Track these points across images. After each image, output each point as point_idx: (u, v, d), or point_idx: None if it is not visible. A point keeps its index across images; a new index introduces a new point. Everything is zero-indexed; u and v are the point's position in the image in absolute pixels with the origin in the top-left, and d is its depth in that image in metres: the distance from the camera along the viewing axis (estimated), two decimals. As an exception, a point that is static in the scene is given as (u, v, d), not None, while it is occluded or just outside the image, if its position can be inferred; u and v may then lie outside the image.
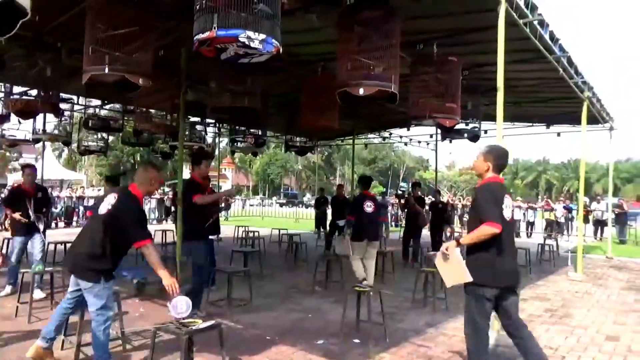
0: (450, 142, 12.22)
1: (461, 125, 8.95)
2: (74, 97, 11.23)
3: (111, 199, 3.56)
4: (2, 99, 7.69)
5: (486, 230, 3.17)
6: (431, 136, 15.17)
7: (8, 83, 7.01)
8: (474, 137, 9.08)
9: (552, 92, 9.52)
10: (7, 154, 41.60)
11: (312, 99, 7.30)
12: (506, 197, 3.37)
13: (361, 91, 4.73)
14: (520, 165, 69.98)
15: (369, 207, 6.79)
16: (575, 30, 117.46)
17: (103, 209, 3.54)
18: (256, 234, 11.61)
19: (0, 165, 41.19)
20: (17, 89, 7.41)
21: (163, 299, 6.20)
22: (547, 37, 6.04)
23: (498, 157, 3.45)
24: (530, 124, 13.11)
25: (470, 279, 3.27)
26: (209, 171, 5.90)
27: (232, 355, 4.11)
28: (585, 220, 16.48)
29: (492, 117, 5.97)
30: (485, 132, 11.05)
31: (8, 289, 6.34)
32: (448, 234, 12.94)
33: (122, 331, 4.39)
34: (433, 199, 12.63)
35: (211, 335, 3.61)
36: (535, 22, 5.65)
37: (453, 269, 3.37)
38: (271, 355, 4.31)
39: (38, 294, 5.92)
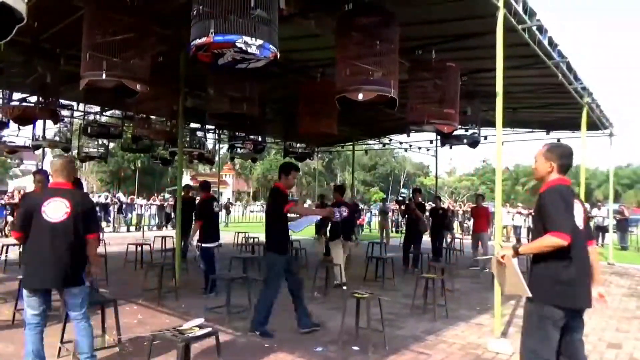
0: (450, 148, 12.21)
1: (461, 131, 8.96)
2: (74, 104, 11.27)
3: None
4: (0, 105, 7.68)
5: (551, 241, 2.73)
6: (431, 142, 15.18)
7: (7, 89, 7.01)
8: (474, 143, 9.08)
9: (551, 98, 9.53)
10: (8, 160, 41.74)
11: (310, 105, 7.32)
12: (576, 202, 2.92)
13: (360, 96, 4.73)
14: (520, 171, 69.92)
15: (343, 211, 7.43)
16: (575, 35, 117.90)
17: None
18: (256, 240, 11.57)
19: (1, 172, 41.28)
20: (16, 96, 7.42)
21: (162, 306, 6.18)
22: (545, 42, 6.04)
23: (562, 155, 3.00)
24: (530, 130, 13.12)
25: (529, 293, 2.87)
26: (295, 183, 5.67)
27: (230, 362, 4.07)
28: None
29: (492, 123, 5.98)
30: (485, 138, 11.07)
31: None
32: (448, 240, 12.92)
33: (119, 338, 4.35)
34: (433, 205, 12.60)
35: (209, 343, 3.57)
36: (534, 28, 5.66)
37: (510, 278, 2.99)
38: (269, 362, 4.27)
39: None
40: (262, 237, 11.75)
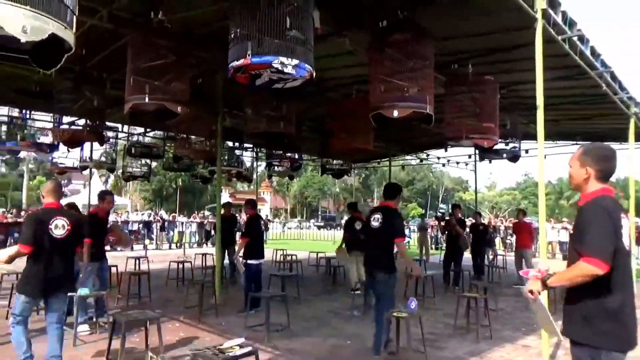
0: (490, 162, 11.94)
1: (500, 145, 8.76)
2: (118, 126, 11.73)
3: None
4: (51, 129, 8.11)
5: (585, 270, 2.19)
6: (470, 156, 14.90)
7: (57, 114, 7.40)
8: (514, 157, 8.85)
9: (595, 109, 9.19)
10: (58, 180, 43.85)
11: (344, 122, 7.36)
12: (623, 217, 2.32)
13: (395, 113, 4.71)
14: (565, 185, 67.51)
15: (357, 225, 7.99)
16: (620, 44, 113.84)
17: None
18: (294, 257, 11.60)
19: (51, 192, 43.32)
20: (65, 119, 7.81)
21: (202, 323, 6.26)
22: (588, 52, 5.86)
23: (600, 158, 2.41)
24: (574, 142, 12.67)
25: (560, 337, 2.40)
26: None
27: (269, 381, 4.06)
28: (638, 242, 15.63)
29: (533, 136, 5.82)
30: (526, 151, 10.77)
31: (85, 326, 5.80)
32: (490, 257, 12.55)
33: (161, 356, 4.43)
34: (474, 221, 12.30)
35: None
36: (575, 38, 5.50)
37: (541, 316, 2.53)
38: (308, 382, 4.23)
39: (83, 328, 5.73)
40: (300, 255, 11.84)
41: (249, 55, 3.32)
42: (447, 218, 11.40)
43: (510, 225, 22.43)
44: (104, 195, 6.29)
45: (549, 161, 11.69)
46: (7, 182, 42.47)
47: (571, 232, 2.85)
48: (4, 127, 9.81)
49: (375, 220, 5.14)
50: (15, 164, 45.02)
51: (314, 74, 3.61)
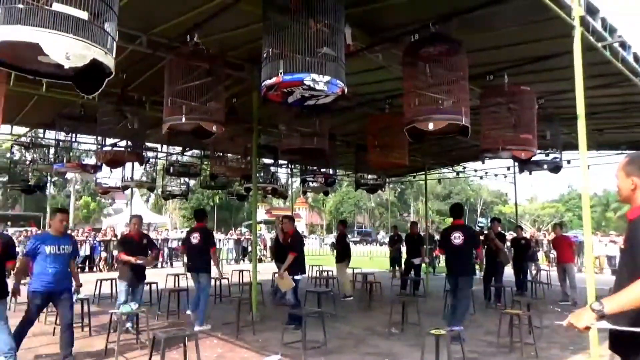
0: (530, 174, 11.59)
1: (541, 156, 8.48)
2: (158, 146, 12.09)
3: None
4: (95, 151, 8.45)
5: None
6: (508, 169, 14.51)
7: (100, 136, 7.71)
8: (555, 168, 8.54)
9: (640, 117, 8.82)
10: (102, 200, 45.41)
11: (379, 137, 7.33)
12: None
13: (431, 126, 4.65)
14: (611, 197, 64.73)
15: (348, 239, 10.00)
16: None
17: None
18: (330, 273, 11.54)
19: (96, 211, 44.93)
20: (108, 141, 8.11)
21: (240, 340, 6.28)
22: (630, 58, 5.65)
23: None
24: (620, 152, 12.15)
25: None
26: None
27: (306, 400, 4.02)
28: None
29: (575, 146, 5.62)
30: (568, 162, 10.41)
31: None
32: (533, 272, 12.10)
33: (199, 372, 4.46)
34: (515, 235, 11.92)
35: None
36: (616, 45, 5.32)
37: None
38: (346, 401, 4.16)
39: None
40: (336, 271, 11.79)
41: (280, 73, 3.37)
42: (485, 232, 11.11)
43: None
44: (130, 218, 6.79)
45: (593, 172, 11.29)
46: (56, 202, 44.38)
47: (621, 246, 2.56)
48: (52, 150, 10.29)
49: (457, 238, 6.47)
50: (63, 185, 46.99)
51: (346, 90, 3.62)
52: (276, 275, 7.55)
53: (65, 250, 5.06)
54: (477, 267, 7.84)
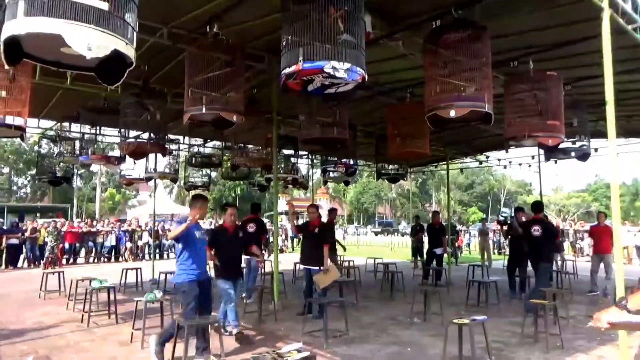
0: (556, 162, 11.33)
1: (567, 144, 8.26)
2: (180, 138, 12.22)
3: None
4: (119, 143, 8.58)
5: None
6: (533, 157, 14.21)
7: (123, 128, 7.81)
8: (583, 155, 8.31)
9: (672, 102, 8.52)
10: (127, 192, 46.28)
11: (399, 126, 7.26)
12: None
13: (452, 113, 4.57)
14: (640, 185, 63.03)
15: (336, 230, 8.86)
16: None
17: None
18: (351, 263, 11.54)
19: (121, 203, 45.86)
20: (131, 133, 8.23)
21: (262, 328, 6.34)
22: (661, 41, 5.43)
23: None
24: (649, 139, 11.79)
25: None
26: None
27: (328, 388, 4.04)
28: None
29: (603, 134, 5.47)
30: (596, 150, 10.15)
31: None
32: (559, 263, 11.86)
33: (222, 359, 4.52)
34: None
35: (307, 367, 3.57)
36: (647, 27, 5.13)
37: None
38: (368, 390, 4.16)
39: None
40: (357, 261, 11.77)
41: (300, 61, 3.35)
42: (509, 222, 10.92)
43: (580, 229, 21.20)
44: (227, 207, 6.62)
45: (622, 160, 10.87)
46: (82, 194, 45.42)
47: None
48: (78, 143, 10.50)
49: (536, 231, 7.51)
50: (89, 178, 48.05)
51: (366, 77, 3.58)
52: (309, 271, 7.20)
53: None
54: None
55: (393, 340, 5.84)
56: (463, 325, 4.46)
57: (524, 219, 9.41)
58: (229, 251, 5.88)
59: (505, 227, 10.52)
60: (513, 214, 10.37)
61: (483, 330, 4.58)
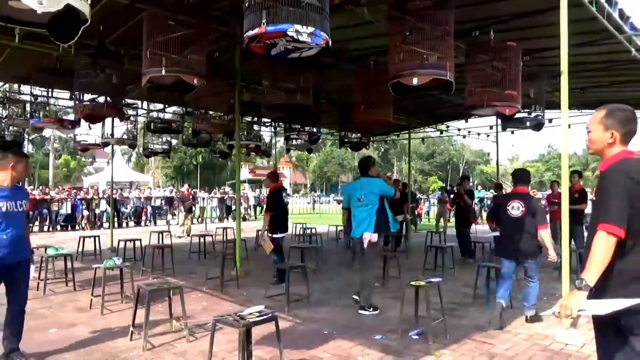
0: (512, 132, 11.70)
1: (523, 114, 8.53)
2: (138, 102, 11.81)
3: None
4: (72, 106, 8.23)
5: (604, 242, 2.08)
6: (491, 127, 14.61)
7: (78, 91, 7.47)
8: (537, 125, 8.60)
9: (624, 75, 8.88)
10: (82, 159, 44.66)
11: (365, 93, 7.26)
12: None
13: (415, 81, 4.63)
14: (591, 156, 65.99)
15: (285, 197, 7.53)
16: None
17: None
18: (313, 230, 11.70)
19: (76, 170, 44.29)
20: (87, 97, 7.88)
21: (224, 293, 6.40)
22: (616, 15, 5.62)
23: (626, 121, 2.32)
24: (601, 111, 12.28)
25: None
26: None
27: (290, 348, 4.15)
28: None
29: (557, 105, 5.66)
30: (550, 121, 10.50)
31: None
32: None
33: (185, 323, 4.55)
34: (495, 193, 12.15)
35: (269, 329, 3.65)
36: (602, 0, 5.28)
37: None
38: (329, 349, 4.31)
39: None
40: (320, 228, 11.92)
41: (263, 24, 3.28)
42: (455, 190, 11.28)
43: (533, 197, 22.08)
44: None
45: (574, 131, 11.28)
46: (34, 161, 43.52)
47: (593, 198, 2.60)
48: (28, 105, 10.00)
49: (516, 209, 5.09)
50: (41, 144, 46.03)
51: (330, 42, 3.55)
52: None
53: (23, 207, 3.85)
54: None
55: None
56: (419, 287, 4.64)
57: (468, 186, 9.66)
58: None
59: (452, 196, 10.87)
60: (459, 182, 10.65)
61: (438, 292, 4.78)
